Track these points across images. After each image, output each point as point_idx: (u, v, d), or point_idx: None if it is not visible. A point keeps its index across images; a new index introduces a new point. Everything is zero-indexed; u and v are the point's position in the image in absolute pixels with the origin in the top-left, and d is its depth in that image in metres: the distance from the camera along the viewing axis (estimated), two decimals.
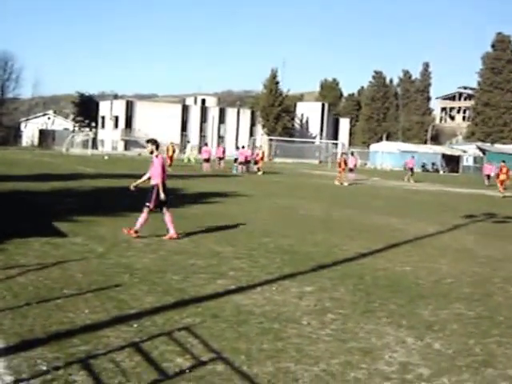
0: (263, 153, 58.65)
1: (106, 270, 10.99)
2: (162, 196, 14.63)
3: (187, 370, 6.35)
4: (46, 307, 8.32)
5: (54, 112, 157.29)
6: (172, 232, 14.80)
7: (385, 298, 10.05)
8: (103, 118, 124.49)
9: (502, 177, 45.16)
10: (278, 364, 6.73)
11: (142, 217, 14.64)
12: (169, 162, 47.73)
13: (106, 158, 72.28)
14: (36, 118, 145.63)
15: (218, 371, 6.41)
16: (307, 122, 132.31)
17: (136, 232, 14.59)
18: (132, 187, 15.26)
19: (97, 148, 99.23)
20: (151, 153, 15.07)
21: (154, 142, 15.11)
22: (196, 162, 66.49)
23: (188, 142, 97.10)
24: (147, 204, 14.65)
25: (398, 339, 7.88)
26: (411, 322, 8.70)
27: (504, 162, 47.51)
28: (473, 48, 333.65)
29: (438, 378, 6.61)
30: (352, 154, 60.86)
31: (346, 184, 44.04)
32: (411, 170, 57.67)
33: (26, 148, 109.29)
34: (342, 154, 54.80)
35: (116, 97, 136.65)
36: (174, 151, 54.86)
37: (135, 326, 7.76)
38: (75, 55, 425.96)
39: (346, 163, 46.11)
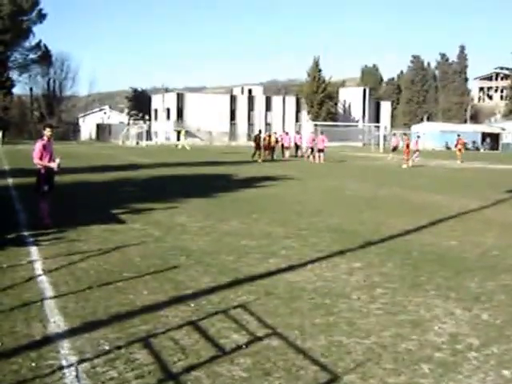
0: (318, 140, 49.59)
1: (163, 253, 11.01)
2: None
3: (243, 346, 6.31)
4: (107, 290, 8.37)
5: (110, 107, 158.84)
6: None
7: (432, 272, 9.88)
8: (156, 110, 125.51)
9: None
10: (331, 338, 6.64)
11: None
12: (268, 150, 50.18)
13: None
14: (93, 113, 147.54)
15: (273, 346, 6.34)
16: (350, 106, 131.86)
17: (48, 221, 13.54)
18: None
19: (151, 139, 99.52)
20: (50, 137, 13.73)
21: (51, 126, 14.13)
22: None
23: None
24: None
25: (447, 311, 7.73)
26: (459, 294, 8.53)
27: None
28: (508, 28, 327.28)
29: (487, 348, 6.45)
30: (394, 135, 59.99)
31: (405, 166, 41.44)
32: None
33: (84, 142, 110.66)
34: (404, 135, 51.62)
35: (167, 90, 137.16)
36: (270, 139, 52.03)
37: (192, 305, 7.74)
38: (128, 53, 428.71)
39: (408, 145, 43.62)
